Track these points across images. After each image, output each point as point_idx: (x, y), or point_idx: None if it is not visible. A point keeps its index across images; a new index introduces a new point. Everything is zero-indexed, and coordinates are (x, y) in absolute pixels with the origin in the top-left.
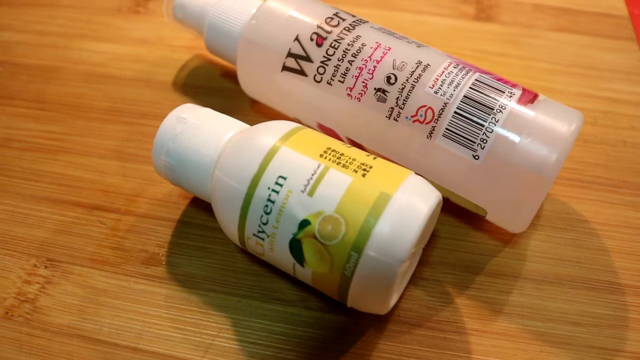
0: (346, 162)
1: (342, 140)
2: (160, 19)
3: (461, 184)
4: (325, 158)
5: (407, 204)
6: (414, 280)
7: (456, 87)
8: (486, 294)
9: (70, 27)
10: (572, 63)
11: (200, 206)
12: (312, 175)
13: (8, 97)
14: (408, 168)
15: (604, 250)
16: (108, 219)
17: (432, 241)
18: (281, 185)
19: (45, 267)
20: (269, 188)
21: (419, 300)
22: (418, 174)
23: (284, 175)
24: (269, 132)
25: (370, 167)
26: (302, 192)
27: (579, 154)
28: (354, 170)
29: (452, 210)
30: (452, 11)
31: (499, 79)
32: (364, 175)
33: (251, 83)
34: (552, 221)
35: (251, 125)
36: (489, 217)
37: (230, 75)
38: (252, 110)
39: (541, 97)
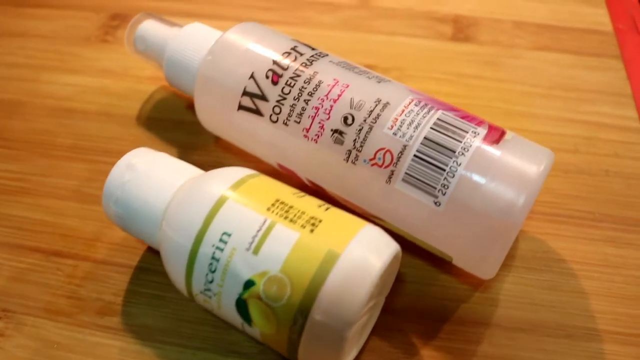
0: (294, 216)
1: (303, 181)
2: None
3: (423, 230)
4: (273, 212)
5: (358, 261)
6: (377, 330)
7: (416, 127)
8: (454, 344)
9: (39, 58)
10: (554, 84)
11: (158, 252)
12: (258, 231)
13: None
14: (370, 211)
15: (581, 293)
16: (65, 266)
17: (396, 287)
18: (225, 243)
19: (0, 318)
20: (213, 245)
21: (382, 353)
22: (377, 222)
23: (229, 232)
24: (218, 181)
25: (320, 221)
26: (247, 250)
27: (557, 186)
28: (302, 225)
29: (419, 252)
30: (428, 31)
31: (464, 117)
32: (312, 230)
33: (210, 120)
34: (527, 261)
35: (213, 166)
36: (456, 262)
37: None
38: (216, 146)
39: (508, 134)
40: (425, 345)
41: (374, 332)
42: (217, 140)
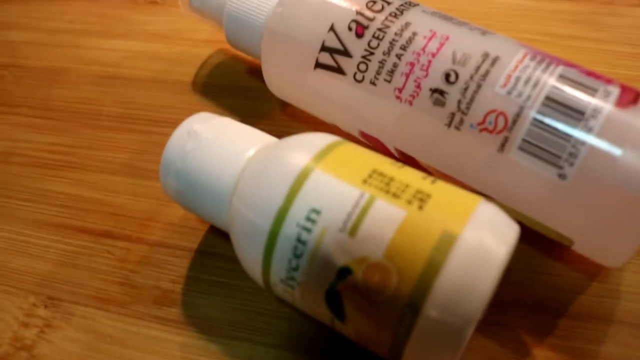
0: (397, 189)
1: (390, 152)
2: (180, 9)
3: (541, 209)
4: (370, 184)
5: (479, 246)
6: (481, 325)
7: (534, 85)
8: (572, 343)
9: (81, 23)
10: None
11: (223, 233)
12: (354, 208)
13: (12, 105)
14: (473, 186)
15: None
16: (116, 248)
17: (503, 276)
18: (314, 222)
19: (45, 306)
20: (298, 225)
21: (487, 352)
22: (489, 199)
23: (318, 209)
24: (299, 150)
25: (429, 196)
26: (341, 230)
27: None
28: (408, 200)
29: (524, 235)
30: None
31: (589, 74)
32: (420, 207)
33: (279, 83)
34: None
35: (280, 137)
36: (576, 248)
37: (258, 73)
38: (283, 114)
39: None
40: (538, 344)
41: (478, 327)
42: (284, 107)
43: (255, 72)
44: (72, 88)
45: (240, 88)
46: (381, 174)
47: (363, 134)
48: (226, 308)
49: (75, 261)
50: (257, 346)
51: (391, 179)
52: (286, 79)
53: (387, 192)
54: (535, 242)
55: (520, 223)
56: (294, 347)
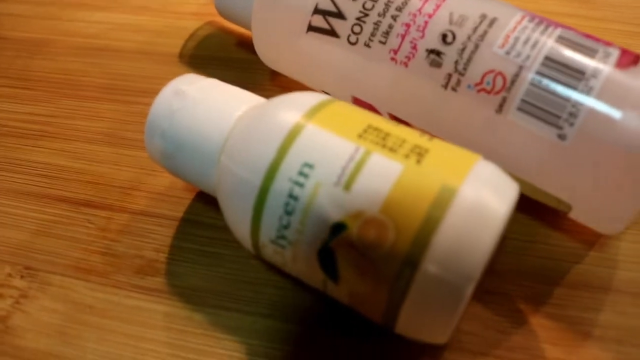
0: (394, 143)
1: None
2: None
3: (540, 172)
4: (366, 139)
5: (479, 201)
6: (478, 293)
7: (534, 46)
8: (569, 312)
9: None
10: None
11: (210, 201)
12: (349, 162)
13: None
14: (471, 149)
15: None
16: (97, 218)
17: (500, 243)
18: (307, 176)
19: (22, 276)
20: (290, 180)
21: (484, 321)
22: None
23: (311, 163)
24: (291, 106)
25: (427, 151)
26: (336, 184)
27: None
28: (405, 155)
29: (521, 203)
30: None
31: (588, 36)
32: (418, 161)
33: (270, 49)
34: None
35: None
36: (572, 215)
37: (248, 45)
38: (273, 84)
39: None
40: (535, 312)
41: (474, 295)
42: (274, 77)
43: (245, 44)
44: (53, 59)
45: (229, 59)
46: (377, 129)
47: (356, 100)
48: (212, 277)
49: (54, 230)
50: (245, 316)
51: (387, 134)
52: (277, 45)
53: (383, 146)
54: (532, 210)
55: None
56: (283, 317)
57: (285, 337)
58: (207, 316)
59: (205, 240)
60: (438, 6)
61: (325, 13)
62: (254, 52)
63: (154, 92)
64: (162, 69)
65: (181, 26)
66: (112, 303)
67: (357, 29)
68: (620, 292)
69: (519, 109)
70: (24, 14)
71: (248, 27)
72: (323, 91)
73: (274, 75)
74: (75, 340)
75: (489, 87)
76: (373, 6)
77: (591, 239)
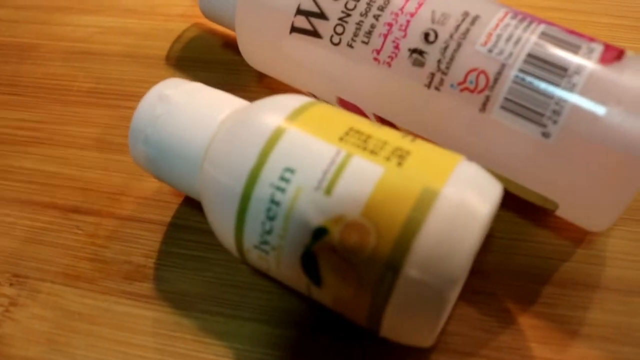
0: (375, 146)
1: (368, 118)
2: None
3: (525, 171)
4: (347, 142)
5: (460, 203)
6: (464, 294)
7: (516, 43)
8: (557, 310)
9: None
10: None
11: (197, 205)
12: (330, 165)
13: None
14: (455, 149)
15: None
16: (86, 224)
17: (485, 242)
18: (288, 181)
19: (10, 284)
20: (271, 185)
21: (471, 321)
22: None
23: (292, 167)
24: (272, 110)
25: (408, 153)
26: (316, 189)
27: None
28: (386, 157)
29: (505, 202)
30: None
31: (571, 32)
32: (399, 164)
33: (254, 51)
34: (636, 212)
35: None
36: (559, 212)
37: (234, 47)
38: (260, 86)
39: (629, 52)
40: (523, 312)
41: (461, 296)
42: (260, 79)
43: (231, 45)
44: (41, 64)
45: (215, 61)
46: (358, 132)
47: (341, 101)
48: (200, 282)
49: (42, 237)
50: (232, 320)
51: (369, 136)
52: (262, 46)
53: (364, 149)
54: (518, 209)
55: (504, 190)
56: (270, 320)
57: (273, 341)
58: (196, 321)
59: (192, 244)
60: (420, 4)
61: (307, 14)
62: (240, 53)
63: (141, 96)
64: (150, 71)
65: (168, 28)
66: (101, 309)
67: (339, 29)
68: (608, 290)
69: (503, 107)
70: (11, 18)
71: (233, 29)
72: (309, 92)
73: (261, 76)
74: (65, 347)
75: (472, 86)
76: (355, 6)
77: (578, 236)
